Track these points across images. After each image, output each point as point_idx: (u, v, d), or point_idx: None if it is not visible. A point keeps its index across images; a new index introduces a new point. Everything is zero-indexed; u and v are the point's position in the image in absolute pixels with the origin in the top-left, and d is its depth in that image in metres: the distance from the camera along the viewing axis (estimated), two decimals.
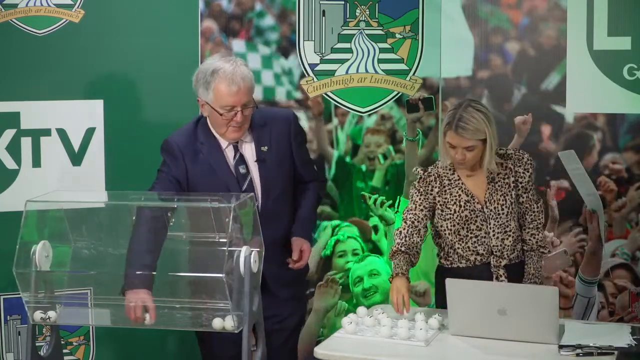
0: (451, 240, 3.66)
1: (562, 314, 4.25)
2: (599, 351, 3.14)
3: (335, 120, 4.58)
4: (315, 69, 4.51)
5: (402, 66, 4.58)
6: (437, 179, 3.65)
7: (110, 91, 4.17)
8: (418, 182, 3.67)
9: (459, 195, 3.61)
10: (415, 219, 3.65)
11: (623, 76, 4.36)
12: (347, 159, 4.62)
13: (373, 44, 4.55)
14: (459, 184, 3.62)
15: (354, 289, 4.61)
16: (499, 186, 3.60)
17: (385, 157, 4.64)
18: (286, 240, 3.59)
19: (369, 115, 4.61)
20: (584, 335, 3.28)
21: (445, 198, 3.63)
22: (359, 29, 4.53)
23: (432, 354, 3.22)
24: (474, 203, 3.60)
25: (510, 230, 3.61)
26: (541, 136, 4.51)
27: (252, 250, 3.10)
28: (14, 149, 4.07)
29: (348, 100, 4.57)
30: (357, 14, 4.52)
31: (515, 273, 3.64)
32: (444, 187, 3.64)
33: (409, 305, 3.49)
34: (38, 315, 3.18)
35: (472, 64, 4.59)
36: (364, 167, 4.64)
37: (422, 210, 3.65)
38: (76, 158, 4.16)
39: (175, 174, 3.49)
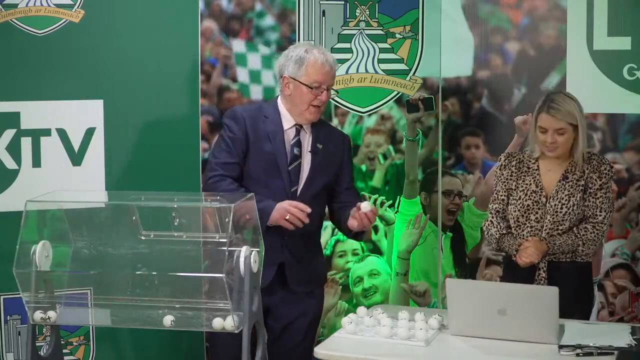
0: (511, 225, 3.73)
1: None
2: (599, 351, 3.14)
3: (335, 120, 4.58)
4: None
5: (402, 66, 4.58)
6: (518, 164, 3.73)
7: (110, 91, 4.17)
8: (499, 168, 3.76)
9: (529, 184, 3.68)
10: (500, 208, 3.76)
11: (623, 76, 4.37)
12: None
13: (373, 44, 4.55)
14: (534, 173, 3.69)
15: (354, 289, 4.61)
16: (569, 185, 3.65)
17: (385, 157, 4.64)
18: (309, 237, 3.68)
19: (369, 115, 4.61)
20: (584, 335, 3.28)
21: (518, 183, 3.71)
22: (359, 29, 4.53)
23: (432, 354, 3.21)
24: (539, 195, 3.66)
25: (562, 230, 3.65)
26: None
27: (252, 250, 3.10)
28: (14, 149, 4.07)
29: (348, 100, 4.57)
30: (357, 14, 4.52)
31: (559, 272, 3.65)
32: (522, 172, 3.71)
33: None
34: (38, 315, 3.18)
35: (472, 64, 4.59)
36: (364, 167, 4.64)
37: (503, 199, 3.75)
38: (76, 158, 4.16)
39: (238, 137, 3.63)
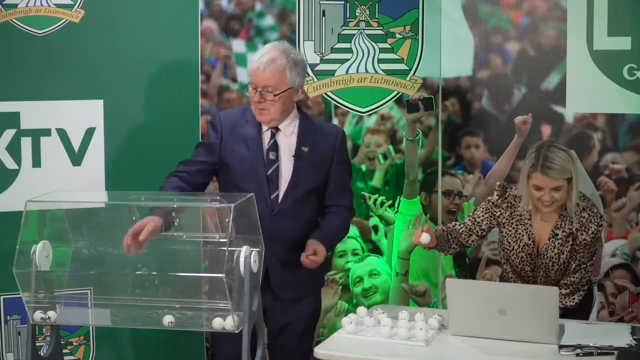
0: (506, 269, 3.71)
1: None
2: (599, 351, 3.14)
3: (335, 120, 4.58)
4: (315, 69, 4.51)
5: (402, 66, 4.58)
6: (510, 208, 3.65)
7: (110, 91, 4.17)
8: (493, 201, 3.69)
9: (522, 236, 3.63)
10: (471, 228, 3.73)
11: (623, 76, 4.36)
12: None
13: (373, 44, 4.55)
14: (527, 224, 3.62)
15: (354, 289, 4.61)
16: (558, 244, 3.59)
17: (385, 157, 4.64)
18: (296, 244, 3.57)
19: (369, 115, 4.61)
20: (584, 335, 3.28)
21: (509, 230, 3.65)
22: (359, 29, 4.53)
23: (432, 354, 3.22)
24: (532, 248, 3.62)
25: (556, 281, 3.62)
26: (541, 136, 4.51)
27: (252, 250, 3.10)
28: (14, 149, 4.07)
29: (348, 100, 4.57)
30: (357, 14, 4.52)
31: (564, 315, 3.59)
32: (513, 218, 3.64)
33: (422, 228, 3.62)
34: (38, 315, 3.18)
35: (472, 64, 4.59)
36: (364, 167, 4.64)
37: (480, 224, 3.72)
38: (76, 158, 4.16)
39: (211, 142, 3.59)
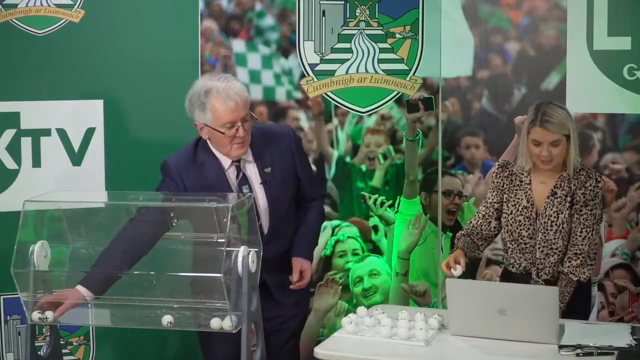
0: (505, 239, 3.71)
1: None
2: (599, 351, 3.14)
3: (335, 120, 4.58)
4: (315, 69, 4.51)
5: (402, 66, 4.58)
6: (511, 176, 3.68)
7: (110, 91, 4.17)
8: (494, 176, 3.72)
9: (521, 199, 3.64)
10: (486, 213, 3.73)
11: (623, 76, 4.36)
12: (347, 159, 4.62)
13: (373, 44, 4.54)
14: (526, 188, 3.64)
15: (354, 289, 4.61)
16: (557, 202, 3.59)
17: (385, 157, 4.64)
18: (286, 255, 3.58)
19: (369, 115, 4.61)
20: (584, 335, 3.28)
21: (510, 197, 3.67)
22: (359, 29, 4.53)
23: (432, 354, 3.21)
24: (530, 211, 3.62)
25: (556, 249, 3.60)
26: None
27: (250, 250, 3.10)
28: (14, 149, 4.08)
29: (348, 100, 4.57)
30: (357, 14, 4.52)
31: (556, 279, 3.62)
32: (514, 186, 3.67)
33: (455, 266, 3.56)
34: (36, 315, 3.18)
35: (472, 64, 4.58)
36: (364, 167, 4.64)
37: (493, 204, 3.71)
38: (76, 158, 4.17)
39: (173, 191, 3.43)
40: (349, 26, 4.53)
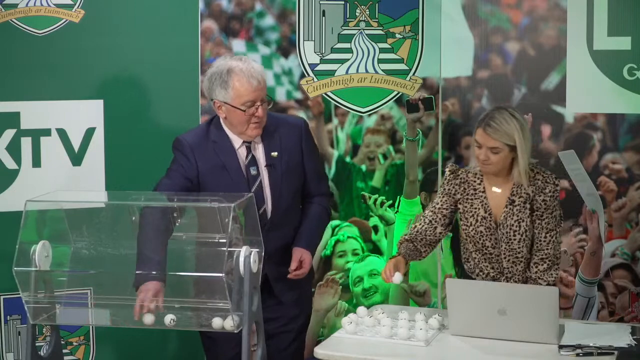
0: (470, 250, 3.66)
1: (562, 314, 4.25)
2: (599, 351, 3.14)
3: (335, 120, 4.58)
4: (315, 69, 4.51)
5: (402, 66, 4.58)
6: (463, 184, 3.61)
7: (110, 91, 4.17)
8: (445, 182, 3.66)
9: (478, 209, 3.58)
10: (433, 218, 3.65)
11: (623, 76, 4.36)
12: (347, 159, 4.62)
13: (373, 44, 4.55)
14: (481, 196, 3.59)
15: (354, 289, 4.61)
16: (516, 210, 3.54)
17: (385, 157, 4.64)
18: (288, 248, 3.58)
19: (369, 115, 4.61)
20: (584, 335, 3.28)
21: (466, 207, 3.61)
22: (359, 29, 4.53)
23: (432, 354, 3.22)
24: (489, 221, 3.57)
25: (522, 257, 3.58)
26: (541, 136, 4.51)
27: (252, 250, 3.11)
28: (14, 149, 4.07)
29: (348, 100, 4.57)
30: (357, 14, 4.52)
31: None
32: (468, 195, 3.60)
33: (393, 273, 3.51)
34: (150, 318, 3.15)
35: (472, 64, 4.59)
36: (364, 167, 4.64)
37: (441, 210, 3.64)
38: (76, 158, 4.16)
39: (186, 171, 3.49)
40: (349, 26, 4.53)
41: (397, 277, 3.52)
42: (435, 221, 3.65)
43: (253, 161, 3.53)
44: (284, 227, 3.57)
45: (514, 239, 3.55)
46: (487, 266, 3.63)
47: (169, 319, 3.13)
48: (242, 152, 3.53)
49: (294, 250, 3.56)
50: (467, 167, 3.68)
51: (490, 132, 3.45)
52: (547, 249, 3.56)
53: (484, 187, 3.59)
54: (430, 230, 3.66)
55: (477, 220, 3.58)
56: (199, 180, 3.50)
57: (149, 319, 3.15)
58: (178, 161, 3.51)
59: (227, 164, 3.49)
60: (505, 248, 3.57)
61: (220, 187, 3.46)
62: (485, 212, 3.57)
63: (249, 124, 3.45)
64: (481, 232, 3.58)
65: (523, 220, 3.54)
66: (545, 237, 3.55)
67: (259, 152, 3.54)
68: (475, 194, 3.59)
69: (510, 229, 3.55)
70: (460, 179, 3.63)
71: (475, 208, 3.58)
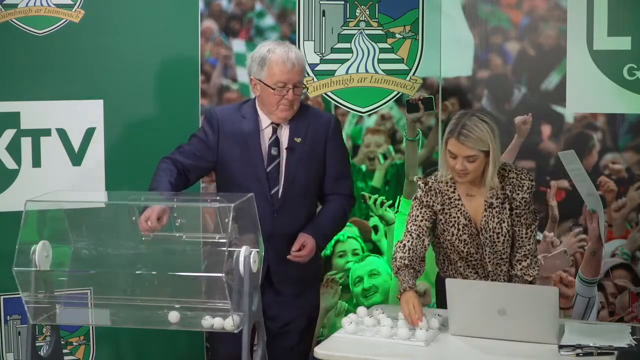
0: (452, 258, 3.64)
1: (562, 314, 4.25)
2: (599, 351, 3.14)
3: None
4: (315, 69, 4.51)
5: (402, 66, 4.58)
6: (439, 194, 3.58)
7: (110, 91, 4.17)
8: (420, 194, 3.60)
9: (458, 218, 3.56)
10: (420, 232, 3.58)
11: (623, 76, 4.37)
12: None
13: (373, 44, 4.55)
14: (458, 205, 3.56)
15: (354, 289, 4.61)
16: (496, 212, 3.53)
17: (385, 157, 4.64)
18: (293, 238, 3.60)
19: (369, 115, 4.61)
20: (584, 335, 3.28)
21: (446, 217, 3.58)
22: (359, 29, 4.53)
23: (432, 354, 3.22)
24: (471, 227, 3.56)
25: (506, 258, 3.59)
26: (541, 136, 4.51)
27: (252, 250, 3.11)
28: (14, 149, 4.07)
29: (348, 100, 4.57)
30: (357, 14, 4.52)
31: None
32: (445, 205, 3.58)
33: (422, 314, 3.36)
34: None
35: (472, 64, 4.59)
36: (364, 167, 4.64)
37: (424, 221, 3.59)
38: (76, 158, 4.16)
39: (208, 138, 3.62)
40: (349, 26, 4.53)
41: (425, 322, 3.35)
42: (422, 234, 3.58)
43: (276, 142, 3.61)
44: (291, 215, 3.59)
45: (498, 241, 3.55)
46: (472, 272, 3.62)
47: (174, 316, 3.15)
48: (267, 132, 3.62)
49: (300, 235, 3.60)
50: (434, 176, 3.62)
51: (464, 141, 3.40)
52: (528, 245, 3.58)
53: (458, 195, 3.57)
54: (420, 245, 3.57)
55: (459, 229, 3.56)
56: (217, 149, 3.60)
57: (174, 316, 3.17)
58: (203, 128, 3.66)
59: (249, 139, 3.59)
60: (489, 252, 3.57)
61: (237, 160, 3.57)
62: (466, 220, 3.55)
63: (279, 105, 3.54)
64: (464, 239, 3.57)
65: (504, 222, 3.54)
66: (527, 232, 3.57)
67: (284, 136, 3.62)
68: (452, 202, 3.57)
69: (493, 232, 3.54)
70: (434, 190, 3.58)
71: (455, 217, 3.57)
